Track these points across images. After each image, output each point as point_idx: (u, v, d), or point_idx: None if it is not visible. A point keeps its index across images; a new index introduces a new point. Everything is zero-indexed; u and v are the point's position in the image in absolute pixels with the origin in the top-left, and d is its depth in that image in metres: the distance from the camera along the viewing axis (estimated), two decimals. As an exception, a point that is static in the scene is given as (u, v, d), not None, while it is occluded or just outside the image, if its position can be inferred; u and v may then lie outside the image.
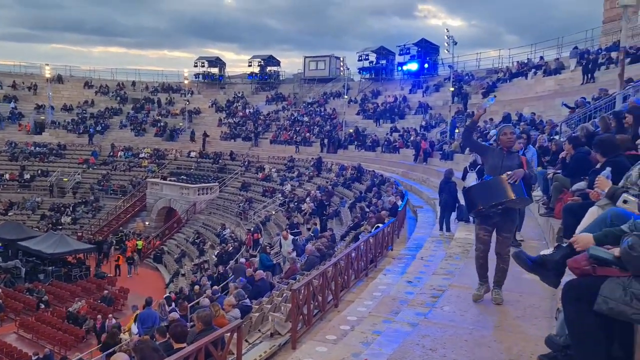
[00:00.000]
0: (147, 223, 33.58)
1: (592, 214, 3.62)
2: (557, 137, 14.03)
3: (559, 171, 8.21)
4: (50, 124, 43.14)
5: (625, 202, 2.97)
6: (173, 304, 15.35)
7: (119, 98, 46.84)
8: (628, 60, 18.72)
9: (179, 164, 39.06)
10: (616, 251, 2.43)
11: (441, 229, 11.93)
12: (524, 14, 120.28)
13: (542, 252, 4.23)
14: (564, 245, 2.95)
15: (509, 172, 4.99)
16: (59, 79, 47.22)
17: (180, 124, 43.33)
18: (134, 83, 48.91)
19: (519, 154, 5.35)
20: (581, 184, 6.08)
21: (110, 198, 36.59)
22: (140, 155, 40.28)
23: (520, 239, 7.93)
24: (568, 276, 2.87)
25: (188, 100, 44.84)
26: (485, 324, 4.86)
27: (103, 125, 43.63)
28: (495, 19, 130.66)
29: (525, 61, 30.58)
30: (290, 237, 16.54)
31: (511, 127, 5.51)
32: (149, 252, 30.02)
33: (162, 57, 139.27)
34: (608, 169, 4.72)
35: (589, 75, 22.30)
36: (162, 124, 43.47)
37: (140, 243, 29.97)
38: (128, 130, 43.39)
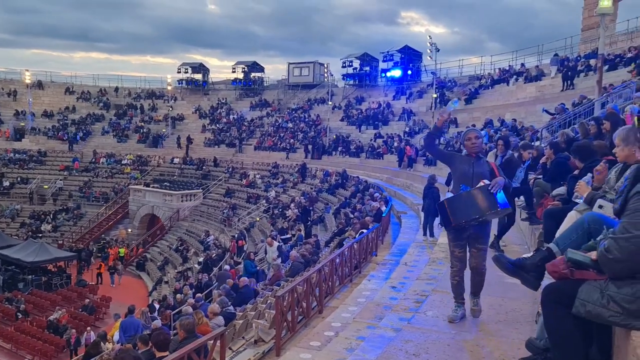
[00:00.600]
0: (129, 230, 33.21)
1: (570, 219, 3.68)
2: (537, 142, 14.23)
3: (540, 176, 8.33)
4: (31, 131, 42.51)
5: (600, 207, 3.00)
6: (156, 312, 15.17)
7: (101, 104, 46.36)
8: (606, 67, 19.13)
9: (162, 170, 38.74)
10: (593, 254, 2.47)
11: (425, 234, 12.01)
12: (506, 22, 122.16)
13: (523, 256, 4.29)
14: (543, 248, 2.99)
15: (485, 181, 4.60)
16: (39, 85, 46.64)
17: (164, 130, 43.02)
18: (116, 89, 48.49)
19: (487, 160, 4.97)
20: (561, 189, 6.17)
21: (92, 205, 36.13)
22: (123, 162, 39.90)
23: (503, 245, 7.93)
24: (547, 280, 2.91)
25: (171, 107, 44.58)
26: (468, 328, 4.89)
27: (85, 131, 43.13)
28: (478, 27, 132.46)
29: (507, 68, 31.02)
30: (276, 243, 16.47)
31: (476, 131, 5.08)
32: (131, 259, 29.67)
33: (145, 63, 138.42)
34: (589, 175, 4.80)
35: (569, 82, 22.71)
36: (145, 130, 43.13)
37: (122, 250, 29.62)
38: (110, 137, 42.97)
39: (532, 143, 13.94)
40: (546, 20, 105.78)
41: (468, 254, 5.03)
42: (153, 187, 34.52)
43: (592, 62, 21.68)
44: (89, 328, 17.80)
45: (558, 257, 2.77)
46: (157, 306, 16.05)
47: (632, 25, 26.79)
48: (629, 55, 20.64)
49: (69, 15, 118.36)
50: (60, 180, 37.94)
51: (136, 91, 48.59)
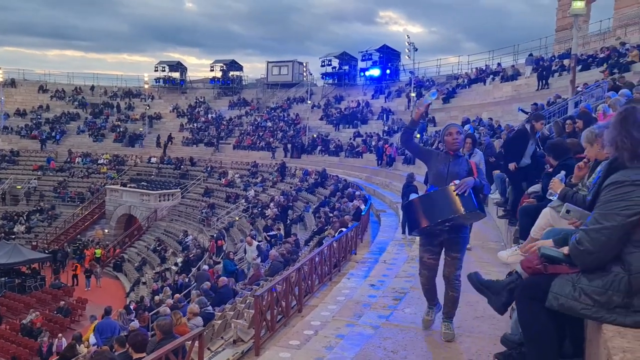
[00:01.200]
0: (106, 231, 32.70)
1: (545, 215, 3.74)
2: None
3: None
4: (3, 130, 41.54)
5: (568, 211, 2.99)
6: (133, 314, 14.97)
7: (76, 103, 45.53)
8: (579, 67, 19.51)
9: (140, 170, 38.24)
10: (565, 249, 2.51)
11: (404, 232, 12.07)
12: (481, 22, 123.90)
13: (499, 253, 4.34)
14: (514, 273, 3.02)
15: (456, 181, 4.10)
16: (12, 83, 45.60)
17: (141, 129, 42.46)
18: (92, 87, 47.69)
19: (467, 159, 4.49)
20: (536, 186, 6.27)
21: (68, 205, 35.47)
22: (99, 162, 39.26)
23: (468, 247, 7.84)
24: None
25: (148, 105, 44.02)
26: (446, 325, 4.93)
27: (59, 130, 42.31)
28: (454, 27, 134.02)
29: (484, 68, 31.43)
30: (255, 242, 16.39)
31: (457, 126, 4.51)
32: (108, 260, 29.22)
33: (121, 61, 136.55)
34: (563, 172, 4.88)
35: (544, 81, 23.12)
36: (121, 129, 42.51)
37: (99, 252, 29.15)
38: (86, 136, 42.24)
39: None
40: (521, 21, 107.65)
41: (442, 262, 4.55)
42: (130, 186, 34.04)
43: (566, 62, 22.10)
44: (60, 335, 17.36)
45: (531, 253, 2.80)
46: (133, 310, 15.81)
47: (605, 26, 27.48)
48: (601, 55, 21.10)
49: (43, 12, 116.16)
50: (34, 180, 37.17)
51: (112, 90, 47.84)
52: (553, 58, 25.82)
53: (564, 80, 20.82)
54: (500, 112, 23.80)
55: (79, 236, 32.28)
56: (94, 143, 41.50)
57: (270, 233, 19.09)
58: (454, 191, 4.03)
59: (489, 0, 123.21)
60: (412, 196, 4.43)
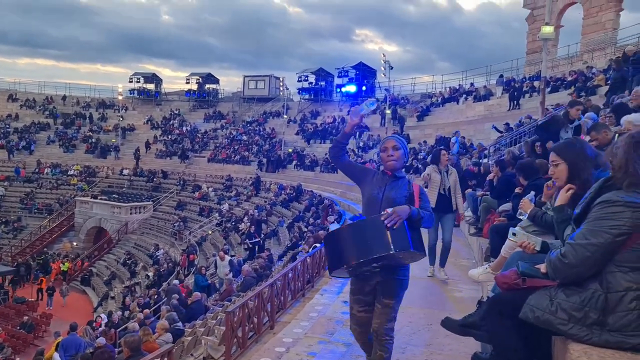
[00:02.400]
0: (74, 244, 31.89)
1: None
2: (485, 159, 14.70)
3: (487, 193, 8.60)
4: (-31, 138, 40.39)
5: (514, 234, 2.99)
6: (100, 329, 14.58)
7: (47, 112, 44.60)
8: (549, 89, 20.07)
9: (111, 182, 37.53)
10: (542, 267, 2.55)
11: None
12: (454, 43, 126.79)
13: (470, 271, 4.39)
14: (484, 300, 3.04)
15: (389, 210, 3.17)
16: (-20, 91, 44.46)
17: (113, 140, 41.80)
18: (64, 97, 46.82)
19: (409, 181, 3.55)
20: (507, 205, 6.38)
21: (35, 217, 34.50)
22: (69, 173, 38.39)
23: (445, 278, 7.29)
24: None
25: (122, 117, 43.40)
26: (417, 342, 4.95)
27: (28, 140, 41.32)
28: (428, 46, 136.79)
29: (457, 87, 32.04)
30: (227, 257, 16.22)
31: (395, 139, 3.59)
32: (75, 274, 28.45)
33: (94, 71, 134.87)
34: (532, 192, 4.99)
35: (515, 102, 23.70)
36: (93, 140, 41.76)
37: (66, 265, 28.36)
38: (56, 147, 41.33)
39: (481, 160, 14.40)
40: (493, 43, 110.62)
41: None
42: (101, 198, 33.37)
43: (536, 83, 22.71)
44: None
45: (509, 270, 2.82)
46: (101, 326, 15.37)
47: (572, 50, 28.37)
48: (569, 78, 21.74)
49: (13, 19, 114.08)
50: (1, 188, 36.11)
51: (85, 100, 47.03)
52: (524, 79, 26.50)
53: (534, 101, 21.37)
54: (473, 131, 24.24)
55: (45, 249, 31.37)
56: (64, 154, 40.64)
57: (253, 240, 18.90)
58: (383, 222, 3.11)
59: (462, 21, 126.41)
60: (333, 226, 3.33)
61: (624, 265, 2.24)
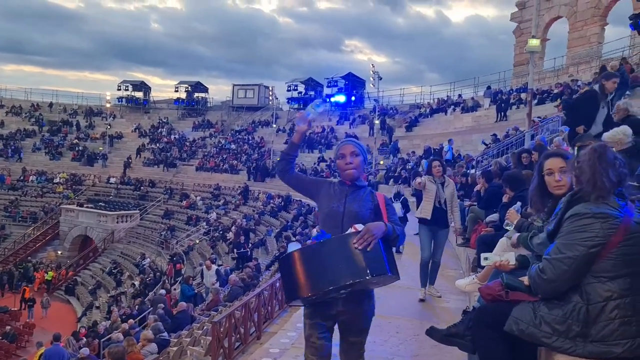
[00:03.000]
0: (59, 252, 31.46)
1: (501, 245, 3.82)
2: (472, 170, 14.80)
3: (474, 203, 8.64)
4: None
5: (485, 258, 2.99)
6: (84, 340, 14.35)
7: (33, 119, 44.17)
8: (535, 101, 20.32)
9: (98, 190, 37.18)
10: (525, 280, 2.56)
11: None
12: (443, 54, 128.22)
13: (457, 282, 4.39)
14: (470, 309, 3.04)
15: (357, 226, 2.70)
16: (-35, 97, 43.95)
17: (101, 148, 41.48)
18: (50, 104, 46.42)
19: (372, 191, 3.03)
20: (494, 216, 6.41)
21: (19, 225, 34.00)
22: (55, 181, 37.96)
23: (438, 295, 6.87)
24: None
25: (110, 124, 43.08)
26: (404, 353, 4.93)
27: (13, 147, 40.85)
28: (417, 58, 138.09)
29: (445, 98, 32.30)
30: (214, 267, 16.09)
31: (353, 143, 3.05)
32: (60, 283, 28.04)
33: (82, 78, 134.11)
34: (519, 203, 5.01)
35: (502, 113, 23.95)
36: (80, 147, 41.40)
37: (50, 274, 27.94)
38: (42, 154, 40.90)
39: (468, 171, 14.50)
40: (481, 54, 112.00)
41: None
42: (87, 207, 33.02)
43: (523, 95, 22.97)
44: None
45: (494, 282, 2.83)
46: (82, 334, 15.12)
47: (558, 63, 28.77)
48: (556, 90, 22.03)
49: (1, 26, 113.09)
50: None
51: (72, 107, 46.67)
52: (511, 91, 26.81)
53: (521, 112, 21.60)
54: (461, 141, 24.40)
55: (29, 257, 30.90)
56: (50, 161, 40.22)
57: (241, 251, 18.78)
58: (354, 243, 2.56)
59: (450, 33, 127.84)
60: (293, 246, 2.82)
61: (602, 276, 2.26)
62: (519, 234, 2.86)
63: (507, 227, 3.87)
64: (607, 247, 2.24)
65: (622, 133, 4.96)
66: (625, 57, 18.18)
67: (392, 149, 27.89)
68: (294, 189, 3.24)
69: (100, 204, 33.91)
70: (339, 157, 3.03)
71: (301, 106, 41.69)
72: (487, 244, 4.84)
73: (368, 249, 2.55)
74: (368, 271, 2.54)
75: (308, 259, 2.63)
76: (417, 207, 8.45)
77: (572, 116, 7.43)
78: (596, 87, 7.05)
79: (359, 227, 2.67)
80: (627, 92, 15.86)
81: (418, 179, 7.07)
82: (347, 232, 2.72)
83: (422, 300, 6.67)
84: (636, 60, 19.68)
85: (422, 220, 6.67)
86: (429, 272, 6.79)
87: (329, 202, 2.98)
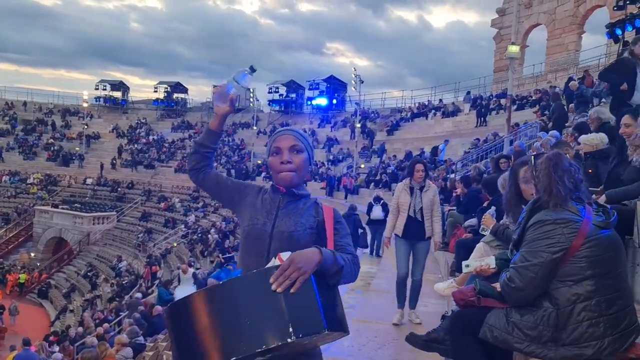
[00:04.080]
0: (32, 254, 30.76)
1: (479, 249, 3.80)
2: (452, 175, 14.89)
3: (454, 208, 8.67)
4: None
5: (467, 266, 3.00)
6: (56, 345, 14.01)
7: (7, 118, 43.22)
8: (514, 107, 20.57)
9: (73, 191, 36.51)
10: (497, 286, 2.57)
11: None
12: (424, 59, 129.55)
13: (435, 285, 4.35)
14: (448, 314, 3.04)
15: (283, 255, 1.74)
16: (-64, 94, 42.82)
17: (77, 148, 40.75)
18: (25, 103, 45.48)
19: (317, 202, 2.11)
20: (472, 221, 6.42)
21: (-10, 227, 33.21)
22: (29, 181, 37.16)
23: (418, 322, 5.73)
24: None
25: (87, 124, 42.37)
26: (382, 358, 4.88)
27: (-11, 146, 39.95)
28: (399, 62, 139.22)
29: (426, 103, 32.55)
30: (191, 270, 15.87)
31: (295, 134, 2.18)
32: (33, 286, 27.39)
33: (58, 77, 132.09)
34: (493, 207, 5.02)
35: (482, 118, 24.21)
36: (55, 147, 40.63)
37: (23, 277, 27.28)
38: (16, 154, 40.03)
39: (448, 175, 14.59)
40: (462, 60, 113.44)
41: None
42: (62, 208, 32.38)
43: (503, 101, 23.27)
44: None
45: (467, 285, 2.83)
46: (55, 343, 14.73)
47: (537, 69, 29.23)
48: (534, 97, 22.35)
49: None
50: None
51: (48, 106, 45.81)
52: (491, 97, 27.14)
53: (500, 118, 21.86)
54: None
55: (1, 260, 30.15)
56: (24, 161, 39.38)
57: (226, 256, 18.53)
58: (272, 283, 1.61)
59: (431, 39, 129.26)
60: (185, 289, 1.77)
61: (567, 280, 2.31)
62: (493, 257, 2.86)
63: (484, 232, 3.88)
64: (570, 251, 2.30)
65: (599, 139, 5.12)
66: (587, 70, 18.52)
67: (380, 150, 27.91)
68: (210, 194, 2.37)
69: (75, 205, 33.31)
70: (272, 152, 2.11)
71: (282, 108, 41.66)
72: (466, 248, 4.83)
73: (291, 292, 1.59)
74: (291, 329, 1.56)
75: (204, 311, 1.62)
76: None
77: (612, 80, 6.63)
78: (626, 53, 6.54)
79: (285, 256, 1.71)
80: (603, 100, 16.19)
81: (394, 198, 5.86)
82: (268, 265, 1.75)
83: (395, 325, 5.63)
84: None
85: (395, 234, 5.78)
86: (407, 293, 5.76)
87: (252, 216, 2.04)
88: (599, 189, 4.32)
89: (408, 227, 5.63)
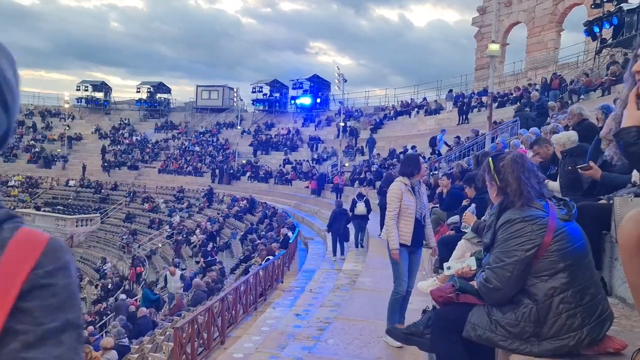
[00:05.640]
0: (14, 258, 30.30)
1: (461, 247, 3.89)
2: (436, 172, 15.02)
3: (437, 205, 8.77)
4: None
5: (448, 268, 3.04)
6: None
7: (-14, 120, 42.45)
8: (495, 104, 20.83)
9: (56, 193, 36.05)
10: (475, 283, 2.63)
11: (335, 254, 12.42)
12: (406, 58, 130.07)
13: (419, 283, 4.44)
14: (429, 309, 3.09)
15: None
16: None
17: (59, 150, 40.22)
18: (5, 104, 44.70)
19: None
20: (455, 218, 6.52)
21: (-29, 230, 32.59)
22: (10, 184, 36.58)
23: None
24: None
25: (68, 126, 41.84)
26: (367, 356, 4.95)
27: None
28: (381, 61, 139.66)
29: (409, 101, 32.73)
30: (178, 272, 15.78)
31: None
32: (15, 290, 27.00)
33: (38, 78, 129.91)
34: (473, 205, 5.12)
35: (464, 116, 24.43)
36: (36, 149, 40.05)
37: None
38: (-4, 156, 39.41)
39: (431, 173, 14.72)
40: (443, 58, 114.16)
41: None
42: (44, 210, 31.96)
43: (484, 99, 23.51)
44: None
45: (446, 283, 2.88)
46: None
47: (517, 67, 29.59)
48: (515, 94, 22.64)
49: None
50: None
51: (28, 107, 45.10)
52: (472, 94, 27.39)
53: (482, 115, 22.10)
54: (424, 143, 24.74)
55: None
56: (4, 163, 38.74)
57: (209, 259, 18.45)
58: None
59: (413, 37, 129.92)
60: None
61: (542, 275, 2.36)
62: (473, 257, 2.92)
63: (465, 230, 3.95)
64: (542, 247, 2.35)
65: (567, 138, 5.24)
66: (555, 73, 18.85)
67: (370, 143, 27.91)
68: None
69: (58, 207, 32.89)
70: None
71: (266, 107, 41.58)
72: (449, 246, 4.91)
73: None
74: None
75: None
76: (381, 225, 7.92)
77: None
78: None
79: None
80: (582, 97, 16.48)
81: (394, 198, 5.00)
82: None
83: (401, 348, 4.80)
84: (590, 65, 20.43)
85: (401, 244, 4.94)
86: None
87: None
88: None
89: (414, 233, 4.96)
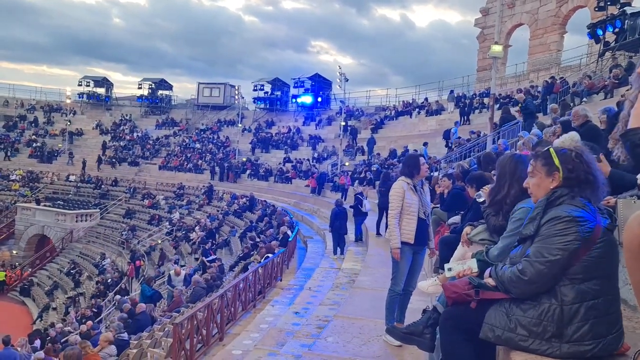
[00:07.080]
0: (14, 252, 30.34)
1: (462, 247, 3.87)
2: (436, 173, 15.01)
3: (437, 205, 8.76)
4: None
5: (449, 269, 3.00)
6: (38, 342, 13.87)
7: (-13, 114, 42.49)
8: (497, 105, 20.78)
9: (56, 188, 36.06)
10: (490, 281, 2.58)
11: (335, 252, 12.48)
12: (407, 58, 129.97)
13: (419, 283, 4.43)
14: (429, 309, 3.07)
15: None
16: None
17: (60, 145, 40.22)
18: (6, 100, 44.73)
19: None
20: (456, 218, 6.50)
21: (-29, 224, 32.64)
22: (11, 178, 36.60)
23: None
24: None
25: (70, 121, 41.82)
26: (366, 354, 4.95)
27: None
28: (382, 60, 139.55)
29: (410, 101, 32.71)
30: (183, 272, 15.67)
31: None
32: (14, 284, 27.02)
33: (40, 73, 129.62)
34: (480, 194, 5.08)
35: (465, 117, 24.42)
36: (38, 144, 40.05)
37: (2, 274, 26.89)
38: (-3, 150, 39.40)
39: (431, 173, 14.72)
40: (444, 59, 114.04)
41: None
42: (45, 205, 31.97)
43: (486, 100, 23.50)
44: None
45: (460, 280, 2.81)
46: (38, 342, 14.55)
47: (520, 69, 29.57)
48: (517, 96, 22.60)
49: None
50: None
51: (30, 102, 45.12)
52: (474, 95, 27.38)
53: (483, 116, 22.09)
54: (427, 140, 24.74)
55: (-18, 257, 29.69)
56: (6, 158, 38.74)
57: (209, 258, 18.42)
58: None
59: (414, 37, 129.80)
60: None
61: (576, 277, 2.32)
62: (475, 259, 2.88)
63: (479, 199, 3.92)
64: (583, 250, 2.30)
65: (570, 139, 5.23)
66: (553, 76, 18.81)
67: (370, 143, 27.89)
68: None
69: (58, 202, 32.91)
70: None
71: (267, 106, 41.57)
72: (449, 246, 4.90)
73: None
74: None
75: None
76: (378, 224, 7.92)
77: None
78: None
79: None
80: (584, 99, 16.46)
81: (396, 197, 5.06)
82: None
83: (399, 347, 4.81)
84: (593, 68, 20.41)
85: (403, 242, 5.02)
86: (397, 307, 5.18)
87: None
88: None
89: (418, 232, 5.01)
